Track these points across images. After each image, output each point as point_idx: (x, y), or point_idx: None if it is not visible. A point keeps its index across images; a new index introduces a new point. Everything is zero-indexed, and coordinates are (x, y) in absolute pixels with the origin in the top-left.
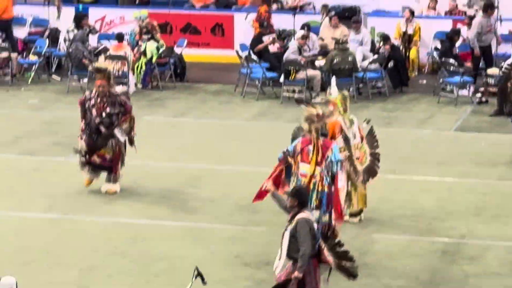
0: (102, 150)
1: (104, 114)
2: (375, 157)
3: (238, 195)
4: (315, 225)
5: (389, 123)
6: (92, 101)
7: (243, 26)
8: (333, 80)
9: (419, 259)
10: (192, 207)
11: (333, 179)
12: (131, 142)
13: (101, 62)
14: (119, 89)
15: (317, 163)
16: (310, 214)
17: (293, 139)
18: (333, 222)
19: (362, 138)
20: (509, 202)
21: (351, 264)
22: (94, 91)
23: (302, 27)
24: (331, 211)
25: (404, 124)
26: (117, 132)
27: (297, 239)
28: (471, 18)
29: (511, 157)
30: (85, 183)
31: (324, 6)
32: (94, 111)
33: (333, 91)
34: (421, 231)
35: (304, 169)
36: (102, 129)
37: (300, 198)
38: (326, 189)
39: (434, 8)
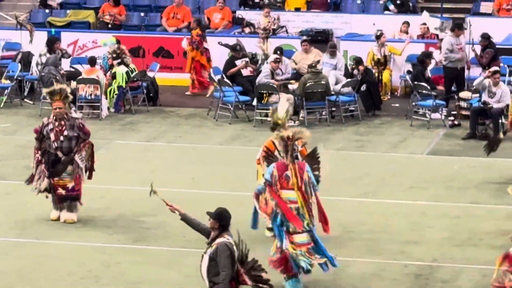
0: (62, 181)
1: (62, 138)
2: None
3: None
4: (235, 248)
5: (362, 146)
6: (50, 126)
7: (216, 50)
8: (283, 100)
9: (392, 282)
10: (165, 231)
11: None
12: (89, 171)
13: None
14: (74, 115)
15: (299, 188)
16: (230, 237)
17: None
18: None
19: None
20: (482, 225)
21: (269, 286)
22: (51, 116)
23: (275, 51)
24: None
25: (376, 148)
26: (77, 158)
27: (218, 263)
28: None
29: (483, 181)
30: (52, 218)
31: (265, 31)
32: (52, 136)
33: (280, 110)
34: (394, 254)
35: (290, 195)
36: (60, 154)
37: (222, 221)
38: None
39: (407, 32)
